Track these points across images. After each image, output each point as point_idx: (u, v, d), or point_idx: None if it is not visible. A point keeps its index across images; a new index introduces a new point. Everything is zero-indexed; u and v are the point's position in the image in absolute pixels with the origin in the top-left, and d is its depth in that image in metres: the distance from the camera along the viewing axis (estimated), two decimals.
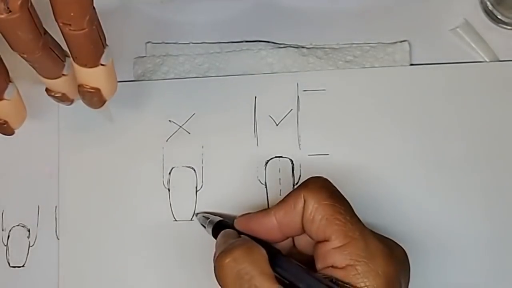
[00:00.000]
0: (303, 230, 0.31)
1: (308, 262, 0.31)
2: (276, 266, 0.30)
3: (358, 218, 0.30)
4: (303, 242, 0.33)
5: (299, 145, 0.40)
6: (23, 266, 0.41)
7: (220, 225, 0.36)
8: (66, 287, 0.40)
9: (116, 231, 0.40)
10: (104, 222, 0.41)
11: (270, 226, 0.32)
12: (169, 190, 0.41)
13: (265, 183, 0.40)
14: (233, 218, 0.35)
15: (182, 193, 0.41)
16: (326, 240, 0.30)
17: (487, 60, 0.40)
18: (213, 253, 0.32)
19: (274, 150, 0.40)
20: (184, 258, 0.40)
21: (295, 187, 0.32)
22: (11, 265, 0.41)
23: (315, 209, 0.30)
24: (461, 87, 0.40)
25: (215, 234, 0.36)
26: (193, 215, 0.40)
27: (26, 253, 0.41)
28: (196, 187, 0.41)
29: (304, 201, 0.30)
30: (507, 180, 0.39)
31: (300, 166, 0.40)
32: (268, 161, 0.40)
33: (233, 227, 0.35)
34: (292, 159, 0.40)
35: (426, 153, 0.39)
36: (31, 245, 0.41)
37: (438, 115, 0.40)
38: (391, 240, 0.32)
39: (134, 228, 0.40)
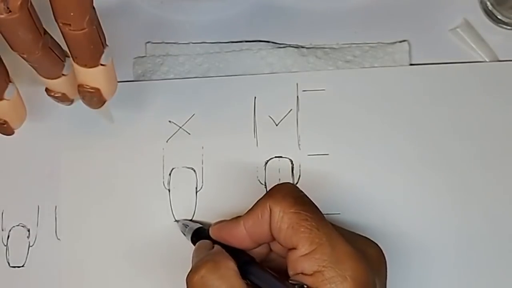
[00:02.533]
0: (273, 238, 0.31)
1: (285, 265, 0.31)
2: (249, 274, 0.30)
3: (327, 223, 0.30)
4: (278, 247, 0.33)
5: (299, 145, 0.40)
6: (23, 266, 0.41)
7: (197, 233, 0.37)
8: (66, 287, 0.40)
9: (116, 231, 0.40)
10: (104, 222, 0.41)
11: (240, 235, 0.32)
12: (169, 190, 0.41)
13: (265, 183, 0.40)
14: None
15: (182, 193, 0.41)
16: (294, 248, 0.29)
17: (487, 60, 0.40)
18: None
19: (274, 150, 0.40)
20: (184, 258, 0.39)
21: (262, 196, 0.32)
22: (11, 265, 0.41)
23: (280, 218, 0.30)
24: (461, 87, 0.40)
25: (194, 242, 0.36)
26: (192, 215, 0.40)
27: (26, 253, 0.41)
28: (196, 188, 0.41)
29: (270, 210, 0.30)
30: (507, 180, 0.39)
31: (299, 166, 0.40)
32: (267, 161, 0.40)
33: (209, 235, 0.35)
34: (292, 159, 0.40)
35: (426, 153, 0.39)
36: (31, 245, 0.41)
37: (438, 115, 0.40)
38: (365, 238, 0.32)
39: (134, 228, 0.40)
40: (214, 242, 0.34)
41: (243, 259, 0.31)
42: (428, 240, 0.39)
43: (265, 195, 0.31)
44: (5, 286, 0.41)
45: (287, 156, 0.40)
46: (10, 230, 0.41)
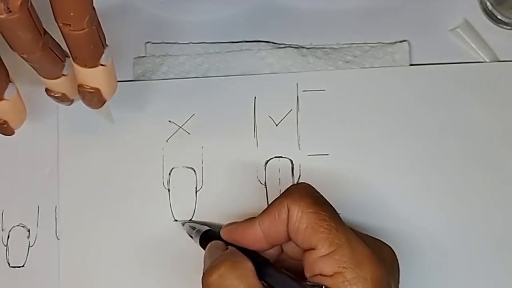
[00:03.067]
0: (289, 238, 0.31)
1: (297, 267, 0.31)
2: (265, 276, 0.30)
3: (344, 224, 0.30)
4: (291, 249, 0.33)
5: (299, 145, 0.40)
6: (23, 266, 0.41)
7: (207, 235, 0.36)
8: (66, 287, 0.40)
9: (116, 231, 0.40)
10: (104, 222, 0.41)
11: (255, 237, 0.32)
12: (169, 190, 0.41)
13: (265, 183, 0.40)
14: (220, 226, 0.35)
15: (182, 193, 0.41)
16: (312, 249, 0.29)
17: (487, 60, 0.40)
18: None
19: (274, 150, 0.40)
20: (184, 259, 0.40)
21: (279, 196, 0.31)
22: (11, 265, 0.41)
23: (299, 218, 0.30)
24: (461, 87, 0.40)
25: (203, 244, 0.36)
26: (192, 215, 0.40)
27: (26, 253, 0.41)
28: (196, 188, 0.41)
29: (288, 210, 0.30)
30: (507, 180, 0.39)
31: (299, 166, 0.40)
32: (267, 161, 0.40)
33: (220, 237, 0.34)
34: (292, 159, 0.40)
35: (426, 153, 0.39)
36: (31, 245, 0.41)
37: (438, 115, 0.40)
38: (378, 240, 0.32)
39: (134, 228, 0.40)
40: (226, 243, 0.34)
41: (258, 261, 0.31)
42: (430, 239, 0.39)
43: (281, 195, 0.31)
44: (5, 286, 0.41)
45: (287, 156, 0.40)
46: (10, 230, 0.41)
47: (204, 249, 0.35)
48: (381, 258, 0.29)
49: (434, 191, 0.39)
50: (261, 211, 0.32)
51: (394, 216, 0.39)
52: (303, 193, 0.31)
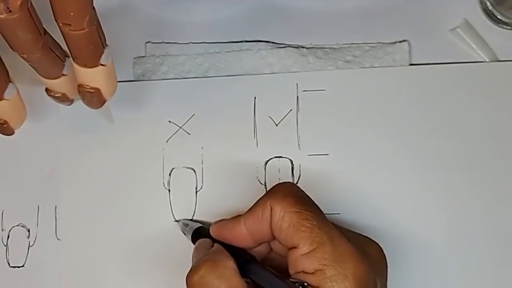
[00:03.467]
0: (274, 237, 0.31)
1: (286, 265, 0.31)
2: (249, 273, 0.30)
3: (327, 222, 0.30)
4: (278, 246, 0.33)
5: (299, 145, 0.40)
6: (23, 266, 0.41)
7: (198, 232, 0.37)
8: (66, 287, 0.40)
9: (116, 231, 0.40)
10: (104, 222, 0.41)
11: (241, 234, 0.32)
12: (169, 190, 0.41)
13: (265, 183, 0.40)
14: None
15: (182, 193, 0.41)
16: (295, 247, 0.29)
17: (487, 60, 0.40)
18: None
19: (274, 150, 0.40)
20: (184, 259, 0.40)
21: (263, 195, 0.32)
22: (11, 265, 0.41)
23: (281, 217, 0.30)
24: (461, 87, 0.40)
25: (194, 241, 0.36)
26: (192, 216, 0.40)
27: (26, 253, 0.41)
28: (196, 188, 0.41)
29: (271, 209, 0.30)
30: (508, 180, 0.39)
31: (299, 166, 0.40)
32: (267, 161, 0.40)
33: (209, 235, 0.35)
34: (292, 159, 0.40)
35: (426, 153, 0.39)
36: (31, 245, 0.41)
37: (438, 115, 0.40)
38: (365, 237, 0.32)
39: (134, 228, 0.40)
40: (215, 241, 0.34)
41: (243, 258, 0.31)
42: (428, 239, 0.38)
43: (265, 194, 0.32)
44: (5, 286, 0.41)
45: (287, 156, 0.40)
46: (10, 230, 0.41)
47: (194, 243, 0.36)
48: (366, 255, 0.29)
49: (434, 190, 0.39)
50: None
51: (394, 216, 0.39)
52: (286, 192, 0.31)
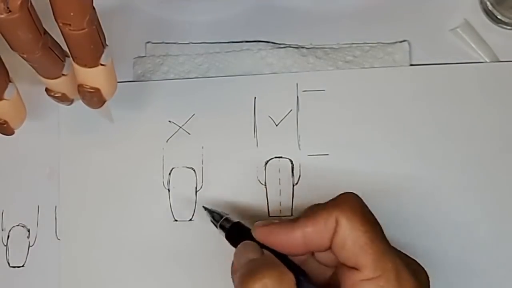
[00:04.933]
0: (329, 248, 0.30)
1: (321, 271, 0.31)
2: None
3: (391, 247, 0.29)
4: (324, 255, 0.31)
5: (299, 145, 0.40)
6: (23, 266, 0.41)
7: (235, 228, 0.35)
8: (66, 287, 0.40)
9: (116, 231, 0.40)
10: (104, 222, 0.41)
11: (295, 241, 0.30)
12: (169, 190, 0.41)
13: (265, 183, 0.40)
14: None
15: (182, 193, 0.41)
16: (356, 268, 0.28)
17: (487, 60, 0.40)
18: (228, 261, 0.32)
19: (274, 151, 0.40)
20: (184, 259, 0.40)
21: (326, 203, 0.30)
22: (11, 265, 0.41)
23: (347, 235, 0.28)
24: (461, 87, 0.40)
25: (229, 236, 0.34)
26: (192, 215, 0.40)
27: (26, 253, 0.41)
28: (196, 188, 0.41)
29: (337, 222, 0.29)
30: (508, 180, 0.39)
31: (299, 166, 0.40)
32: (267, 161, 0.40)
33: (250, 233, 0.33)
34: (292, 159, 0.40)
35: (426, 153, 0.39)
36: (31, 245, 0.41)
37: (438, 115, 0.40)
38: (416, 263, 0.31)
39: (134, 228, 0.40)
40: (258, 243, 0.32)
41: (294, 271, 0.29)
42: (429, 239, 0.38)
43: (329, 204, 0.30)
44: (5, 286, 0.41)
45: (287, 156, 0.40)
46: (10, 230, 0.41)
47: (228, 240, 0.34)
48: (421, 284, 0.29)
49: (435, 190, 0.39)
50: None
51: (394, 216, 0.39)
52: (355, 206, 0.29)
